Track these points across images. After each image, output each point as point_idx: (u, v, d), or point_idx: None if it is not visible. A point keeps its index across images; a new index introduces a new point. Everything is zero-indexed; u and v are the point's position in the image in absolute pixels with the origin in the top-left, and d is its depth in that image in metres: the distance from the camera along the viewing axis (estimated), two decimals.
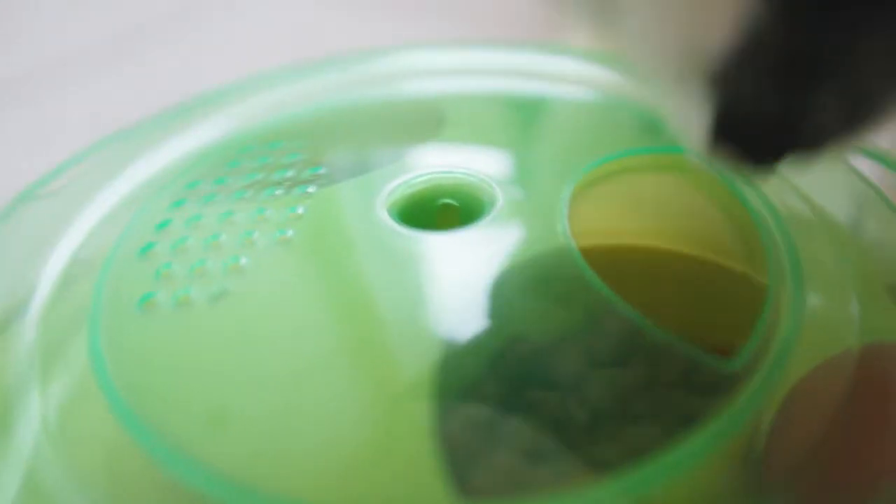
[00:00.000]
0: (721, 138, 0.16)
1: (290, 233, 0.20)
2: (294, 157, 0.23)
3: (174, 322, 0.18)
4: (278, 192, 0.22)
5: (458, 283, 0.19)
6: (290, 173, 0.22)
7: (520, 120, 0.27)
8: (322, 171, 0.22)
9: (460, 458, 0.15)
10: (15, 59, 0.48)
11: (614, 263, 0.20)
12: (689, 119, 0.17)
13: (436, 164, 0.23)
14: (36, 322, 0.20)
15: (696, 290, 0.20)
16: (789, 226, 0.21)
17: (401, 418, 0.16)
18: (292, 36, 0.48)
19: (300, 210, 0.21)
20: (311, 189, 0.22)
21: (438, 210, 0.21)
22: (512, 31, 0.47)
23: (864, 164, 0.23)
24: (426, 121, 0.26)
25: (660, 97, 0.18)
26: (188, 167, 0.23)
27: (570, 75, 0.28)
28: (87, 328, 0.18)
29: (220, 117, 0.27)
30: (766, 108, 0.15)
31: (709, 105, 0.16)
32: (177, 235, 0.21)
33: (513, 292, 0.18)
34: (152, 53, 0.47)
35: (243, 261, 0.19)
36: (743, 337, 0.18)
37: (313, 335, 0.18)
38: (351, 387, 0.17)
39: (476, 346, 0.17)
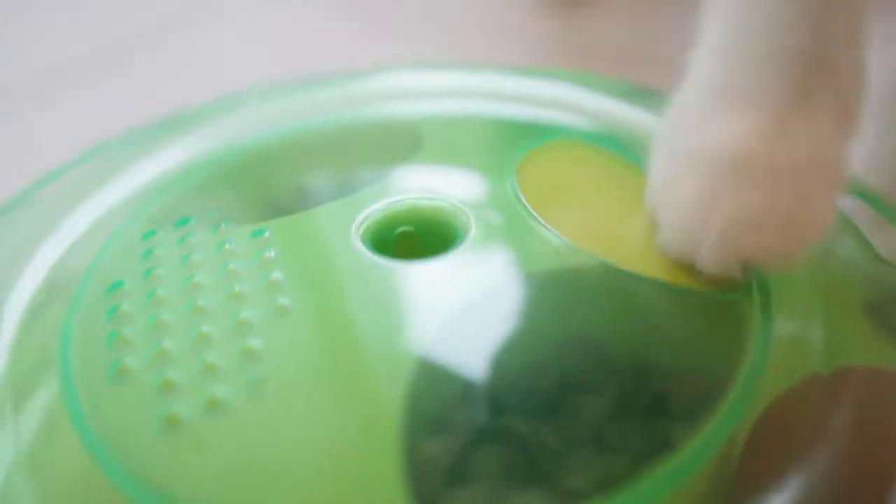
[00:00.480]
0: None
1: (276, 275, 0.20)
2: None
3: (149, 352, 0.18)
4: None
5: (432, 312, 0.19)
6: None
7: (492, 141, 0.27)
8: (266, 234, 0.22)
9: (431, 491, 0.15)
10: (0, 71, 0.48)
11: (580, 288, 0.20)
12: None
13: (410, 185, 0.23)
14: (5, 354, 0.19)
15: (669, 314, 0.20)
16: None
17: (371, 451, 0.16)
18: (279, 49, 0.48)
19: (266, 235, 0.21)
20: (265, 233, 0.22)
21: (407, 236, 0.22)
22: (504, 46, 0.47)
23: None
24: (403, 142, 0.26)
25: None
26: (153, 198, 0.23)
27: (545, 98, 0.28)
28: (58, 360, 0.18)
29: (189, 140, 0.27)
30: None
31: None
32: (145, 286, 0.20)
33: (487, 319, 0.19)
34: (139, 66, 0.47)
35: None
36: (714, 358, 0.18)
37: (285, 365, 0.18)
38: (322, 420, 0.17)
39: (448, 373, 0.17)
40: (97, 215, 0.23)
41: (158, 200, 0.23)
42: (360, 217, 0.21)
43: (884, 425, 0.17)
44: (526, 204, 0.22)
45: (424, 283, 0.19)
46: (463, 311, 0.19)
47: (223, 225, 0.22)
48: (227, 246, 0.21)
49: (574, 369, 0.17)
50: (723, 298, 0.19)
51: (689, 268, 0.20)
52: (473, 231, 0.21)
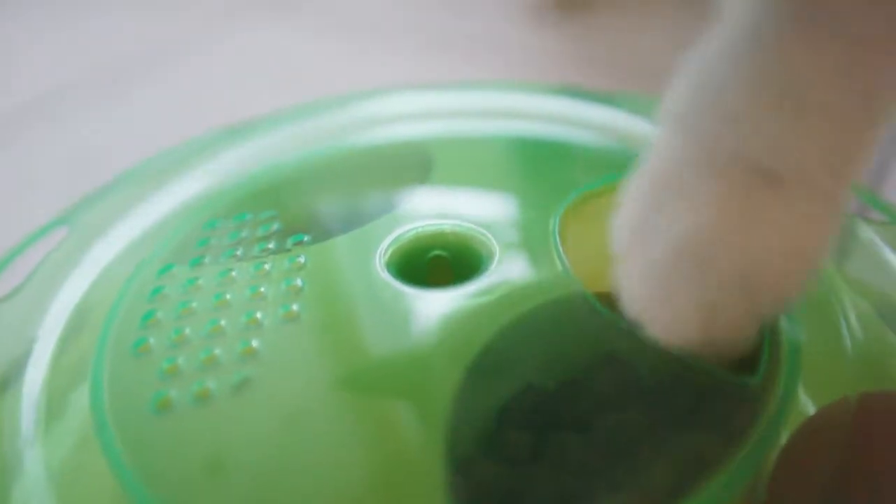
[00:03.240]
0: None
1: (298, 282, 0.20)
2: (268, 229, 0.23)
3: (173, 379, 0.18)
4: (271, 245, 0.22)
5: (463, 339, 0.19)
6: (272, 245, 0.22)
7: (507, 160, 0.27)
8: (305, 239, 0.22)
9: None
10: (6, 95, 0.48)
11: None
12: None
13: (430, 212, 0.23)
14: (39, 380, 0.19)
15: None
16: None
17: (414, 479, 0.16)
18: (279, 71, 0.48)
19: (301, 259, 0.21)
20: (301, 259, 0.22)
21: (433, 261, 0.22)
22: (501, 57, 0.47)
23: None
24: (416, 164, 0.26)
25: None
26: (174, 230, 0.23)
27: (557, 115, 0.28)
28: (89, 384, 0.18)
29: (200, 171, 0.27)
30: None
31: None
32: (176, 300, 0.20)
33: (518, 342, 0.19)
34: (133, 93, 0.47)
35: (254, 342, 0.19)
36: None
37: (322, 399, 0.18)
38: (362, 449, 0.17)
39: (486, 397, 0.17)
40: (119, 248, 0.23)
41: (180, 232, 0.23)
42: (384, 244, 0.21)
43: None
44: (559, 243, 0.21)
45: (457, 308, 0.19)
46: (494, 337, 0.19)
47: (239, 252, 0.22)
48: (250, 275, 0.21)
49: (607, 388, 0.17)
50: None
51: None
52: (498, 257, 0.21)
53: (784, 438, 0.17)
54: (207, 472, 0.16)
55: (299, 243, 0.22)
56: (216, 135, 0.28)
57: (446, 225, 0.22)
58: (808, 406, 0.18)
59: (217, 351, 0.19)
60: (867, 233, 0.23)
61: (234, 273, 0.21)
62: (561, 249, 0.21)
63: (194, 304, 0.20)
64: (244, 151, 0.27)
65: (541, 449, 0.16)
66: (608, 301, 0.19)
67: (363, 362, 0.19)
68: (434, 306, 0.19)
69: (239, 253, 0.22)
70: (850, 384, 0.18)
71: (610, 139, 0.27)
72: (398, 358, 0.19)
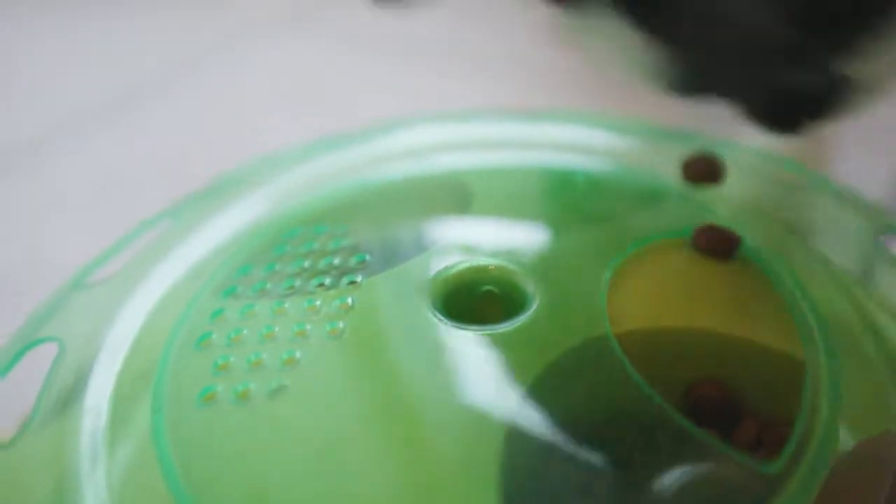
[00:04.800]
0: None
1: (340, 324, 0.21)
2: (338, 244, 0.24)
3: (232, 414, 0.19)
4: (327, 280, 0.23)
5: (505, 379, 0.19)
6: (336, 260, 0.23)
7: (546, 192, 0.27)
8: (367, 258, 0.23)
9: None
10: (13, 125, 0.48)
11: (654, 346, 0.21)
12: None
13: (471, 244, 0.23)
14: (98, 408, 0.20)
15: (732, 366, 0.21)
16: (809, 286, 0.22)
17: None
18: (301, 88, 0.48)
19: (349, 301, 0.22)
20: (358, 278, 0.23)
21: (480, 298, 0.22)
22: (523, 78, 0.48)
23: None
24: (455, 196, 0.26)
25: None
26: (235, 252, 0.24)
27: (594, 146, 0.29)
28: (151, 423, 0.19)
29: (258, 195, 0.28)
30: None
31: None
32: (231, 326, 0.21)
33: (555, 388, 0.19)
34: (156, 112, 0.47)
35: (297, 354, 0.20)
36: (784, 412, 0.19)
37: (364, 435, 0.19)
38: (401, 487, 0.18)
39: (527, 438, 0.18)
40: (175, 278, 0.24)
41: (234, 261, 0.24)
42: (428, 280, 0.22)
43: None
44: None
45: (500, 348, 0.20)
46: (534, 380, 0.19)
47: (287, 288, 0.23)
48: (301, 308, 0.22)
49: (645, 445, 0.18)
50: (788, 349, 0.20)
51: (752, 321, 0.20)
52: (539, 298, 0.21)
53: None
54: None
55: (361, 263, 0.23)
56: (266, 159, 0.29)
57: (489, 261, 0.23)
58: (847, 441, 0.18)
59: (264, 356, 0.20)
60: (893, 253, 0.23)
61: (286, 305, 0.22)
62: (605, 294, 0.22)
63: (245, 332, 0.21)
64: (293, 177, 0.28)
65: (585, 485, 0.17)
66: (640, 342, 0.20)
67: (408, 395, 0.20)
68: (479, 343, 0.20)
69: (297, 284, 0.23)
70: (891, 417, 0.19)
71: (642, 169, 0.28)
72: (436, 390, 0.19)
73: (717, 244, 0.23)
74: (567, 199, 0.27)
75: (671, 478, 0.17)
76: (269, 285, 0.23)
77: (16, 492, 0.19)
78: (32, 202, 0.40)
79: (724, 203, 0.26)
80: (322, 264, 0.23)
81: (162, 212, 0.27)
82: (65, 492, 0.19)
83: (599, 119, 0.30)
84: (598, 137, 0.30)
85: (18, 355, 0.22)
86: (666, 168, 0.27)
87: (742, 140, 0.32)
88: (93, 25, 0.59)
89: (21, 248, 0.33)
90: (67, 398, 0.21)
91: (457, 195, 0.26)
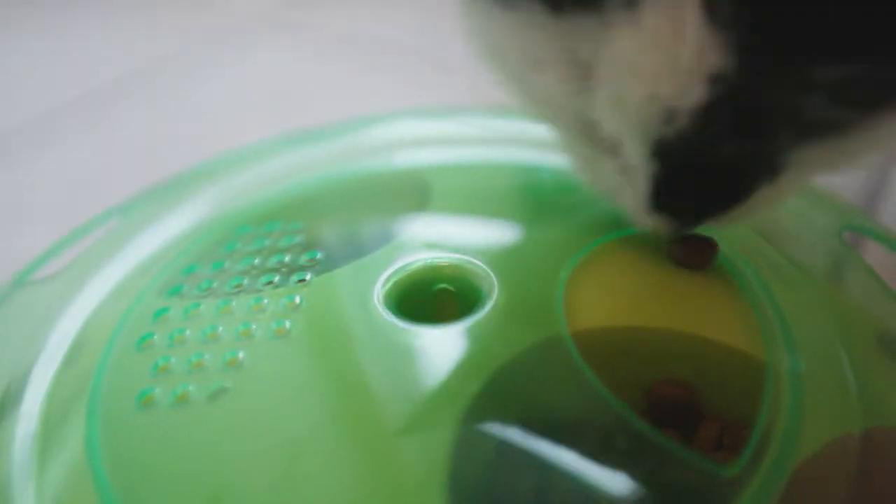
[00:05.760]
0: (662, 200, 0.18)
1: (287, 324, 0.20)
2: (290, 241, 0.23)
3: (172, 418, 0.18)
4: (276, 278, 0.22)
5: (458, 381, 0.19)
6: (286, 258, 0.22)
7: (509, 188, 0.27)
8: (319, 255, 0.23)
9: None
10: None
11: (613, 345, 0.20)
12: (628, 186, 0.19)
13: (428, 241, 0.23)
14: (33, 412, 0.20)
15: (693, 367, 0.20)
16: (774, 287, 0.21)
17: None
18: (282, 92, 0.48)
19: (297, 300, 0.21)
20: (307, 276, 0.22)
21: (435, 296, 0.22)
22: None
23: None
24: (415, 192, 0.26)
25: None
26: (184, 249, 0.23)
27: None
28: (85, 426, 0.18)
29: (212, 192, 0.27)
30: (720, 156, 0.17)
31: (652, 169, 0.18)
32: (174, 326, 0.21)
33: (510, 386, 0.19)
34: (127, 112, 0.47)
35: (241, 355, 0.19)
36: (746, 413, 0.18)
37: (310, 436, 0.18)
38: (356, 487, 0.17)
39: (480, 439, 0.17)
40: (121, 276, 0.23)
41: (182, 259, 0.23)
42: (382, 278, 0.21)
43: None
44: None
45: (453, 346, 0.19)
46: (487, 378, 0.19)
47: (251, 282, 0.22)
48: (262, 302, 0.21)
49: (600, 445, 0.17)
50: (748, 349, 0.20)
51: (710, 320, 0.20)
52: (496, 293, 0.21)
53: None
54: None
55: (312, 261, 0.22)
56: (225, 157, 0.29)
57: (445, 258, 0.22)
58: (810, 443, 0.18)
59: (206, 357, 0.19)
60: (865, 261, 0.23)
61: (233, 304, 0.21)
62: (562, 292, 0.21)
63: (188, 333, 0.20)
64: (250, 174, 0.28)
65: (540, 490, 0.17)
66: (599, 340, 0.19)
67: (358, 395, 0.19)
68: (432, 343, 0.19)
69: (245, 283, 0.22)
70: (854, 419, 0.18)
71: None
72: (385, 388, 0.19)
73: (694, 256, 0.22)
74: (529, 195, 0.26)
75: (628, 482, 0.17)
76: (215, 284, 0.22)
77: None
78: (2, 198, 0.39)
79: None
80: (272, 262, 0.22)
81: (111, 208, 0.26)
82: None
83: None
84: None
85: None
86: None
87: None
88: (70, 25, 0.58)
89: None
90: (3, 403, 0.20)
91: (415, 192, 0.26)
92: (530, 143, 0.28)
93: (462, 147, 0.28)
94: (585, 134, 0.20)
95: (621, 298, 0.21)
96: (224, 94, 0.48)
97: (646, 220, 0.20)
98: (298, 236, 0.23)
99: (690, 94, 0.16)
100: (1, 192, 0.39)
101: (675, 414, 0.19)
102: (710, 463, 0.17)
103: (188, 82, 0.50)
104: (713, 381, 0.20)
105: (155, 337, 0.20)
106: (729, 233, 0.23)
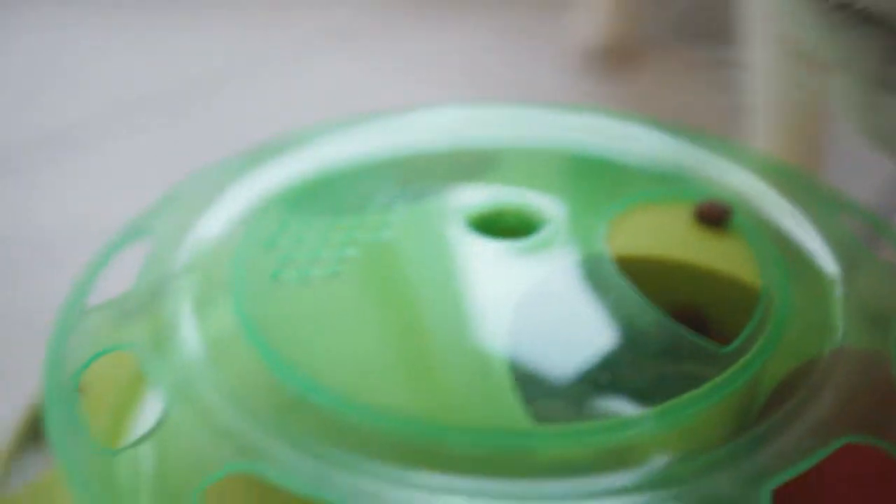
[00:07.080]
0: None
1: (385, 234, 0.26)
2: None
3: (297, 291, 0.24)
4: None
5: (518, 281, 0.25)
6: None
7: (559, 170, 0.32)
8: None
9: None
10: (82, 105, 0.53)
11: (642, 270, 0.25)
12: None
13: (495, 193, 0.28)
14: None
15: (703, 291, 0.26)
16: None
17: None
18: (336, 105, 0.51)
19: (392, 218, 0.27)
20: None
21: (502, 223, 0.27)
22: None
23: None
24: (481, 166, 0.31)
25: None
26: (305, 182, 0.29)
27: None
28: (233, 296, 0.24)
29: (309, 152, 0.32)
30: None
31: None
32: (294, 234, 0.26)
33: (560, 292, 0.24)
34: (198, 116, 0.51)
35: (350, 251, 0.25)
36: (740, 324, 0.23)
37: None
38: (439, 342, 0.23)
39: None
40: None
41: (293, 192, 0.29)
42: (458, 208, 0.27)
43: None
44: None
45: (517, 258, 0.25)
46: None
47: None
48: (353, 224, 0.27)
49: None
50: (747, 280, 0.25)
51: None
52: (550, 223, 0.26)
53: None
54: None
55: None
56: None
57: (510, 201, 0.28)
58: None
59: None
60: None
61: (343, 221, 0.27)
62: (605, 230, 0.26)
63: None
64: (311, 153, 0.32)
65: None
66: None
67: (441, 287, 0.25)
68: (499, 251, 0.25)
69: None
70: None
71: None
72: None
73: (714, 214, 0.27)
74: (585, 173, 0.31)
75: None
76: (326, 208, 0.28)
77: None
78: (93, 181, 0.44)
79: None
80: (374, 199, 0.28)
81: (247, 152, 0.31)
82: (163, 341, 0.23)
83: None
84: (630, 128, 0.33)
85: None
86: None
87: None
88: (147, 23, 0.63)
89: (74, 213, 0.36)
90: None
91: (481, 165, 0.31)
92: (598, 133, 0.32)
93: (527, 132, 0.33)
94: None
95: (652, 239, 0.27)
96: (293, 103, 0.52)
97: None
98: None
99: None
100: (91, 176, 0.44)
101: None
102: (715, 344, 0.22)
103: (255, 92, 0.54)
104: (716, 305, 0.26)
105: (281, 241, 0.26)
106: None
